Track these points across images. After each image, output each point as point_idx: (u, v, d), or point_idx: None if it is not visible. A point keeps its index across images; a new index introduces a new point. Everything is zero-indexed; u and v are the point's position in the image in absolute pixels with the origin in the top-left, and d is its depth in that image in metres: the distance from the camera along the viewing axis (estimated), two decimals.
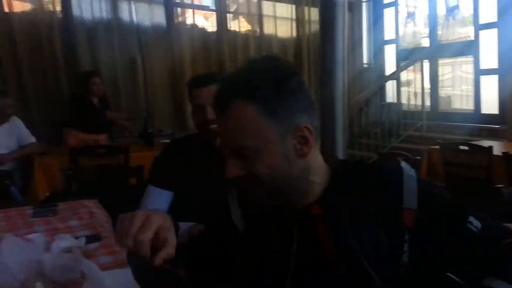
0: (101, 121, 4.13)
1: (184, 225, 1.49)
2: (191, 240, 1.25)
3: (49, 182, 3.36)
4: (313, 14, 6.12)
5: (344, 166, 0.89)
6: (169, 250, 0.78)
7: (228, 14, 5.65)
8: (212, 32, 5.59)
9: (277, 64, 0.82)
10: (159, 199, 1.62)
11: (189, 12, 5.45)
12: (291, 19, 6.09)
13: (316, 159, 0.85)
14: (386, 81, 6.00)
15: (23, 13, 4.44)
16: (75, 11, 4.62)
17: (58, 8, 4.56)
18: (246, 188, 0.85)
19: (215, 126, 1.53)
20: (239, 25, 5.79)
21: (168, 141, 4.09)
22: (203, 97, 1.54)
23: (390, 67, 6.57)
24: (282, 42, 6.06)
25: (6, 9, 4.29)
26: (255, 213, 0.92)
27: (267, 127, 0.78)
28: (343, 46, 1.30)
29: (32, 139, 3.56)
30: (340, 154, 1.51)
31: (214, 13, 5.60)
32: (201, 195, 1.58)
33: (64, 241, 1.28)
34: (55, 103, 4.54)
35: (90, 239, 1.43)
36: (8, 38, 4.29)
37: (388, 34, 6.62)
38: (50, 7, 4.51)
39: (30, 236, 1.33)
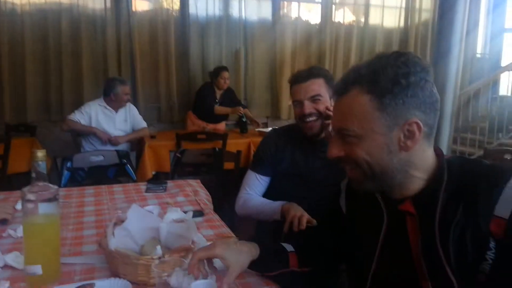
0: (212, 113, 4.47)
1: (278, 204, 1.63)
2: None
3: (156, 162, 3.71)
4: (425, 2, 5.80)
5: (454, 164, 0.87)
6: None
7: (333, 5, 5.60)
8: (315, 24, 5.60)
9: (403, 59, 0.82)
10: (257, 183, 1.80)
11: (294, 5, 5.53)
12: (400, 8, 5.82)
13: (422, 155, 0.85)
14: (502, 72, 5.42)
15: (143, 11, 4.95)
16: (191, 9, 5.04)
17: (176, 7, 5.00)
18: (344, 168, 0.90)
19: (311, 119, 1.66)
20: (343, 16, 5.70)
21: (262, 129, 4.28)
22: (301, 92, 1.67)
23: (507, 57, 5.92)
24: (388, 32, 5.83)
25: (133, 9, 4.81)
26: (357, 197, 0.99)
27: (376, 118, 0.81)
28: (462, 32, 1.22)
29: (144, 124, 3.94)
30: (445, 148, 1.44)
31: (319, 4, 5.60)
32: (295, 180, 1.74)
33: (174, 214, 1.42)
34: (162, 92, 5.00)
35: (196, 213, 1.56)
36: (129, 34, 4.81)
37: (510, 21, 5.95)
38: (169, 6, 4.97)
39: (147, 208, 1.51)
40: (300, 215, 1.49)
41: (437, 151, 0.89)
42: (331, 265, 1.19)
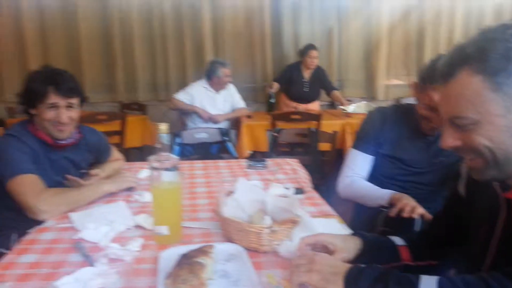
0: (298, 93, 4.47)
1: (387, 191, 1.59)
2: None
3: (252, 141, 3.87)
4: None
5: None
6: None
7: None
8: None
9: (491, 30, 0.77)
10: (361, 162, 1.76)
11: None
12: None
13: None
14: None
15: None
16: None
17: None
18: (464, 158, 0.85)
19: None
20: None
21: (344, 108, 4.18)
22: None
23: None
24: (498, 2, 5.27)
25: None
26: (476, 182, 0.92)
27: (492, 100, 0.75)
28: None
29: (242, 104, 4.13)
30: None
31: None
32: (401, 162, 1.70)
33: (277, 189, 1.52)
34: (257, 72, 5.14)
35: (297, 191, 1.64)
36: (223, 16, 4.99)
37: None
38: None
39: (253, 182, 1.62)
40: (414, 205, 1.44)
41: None
42: (449, 257, 1.12)
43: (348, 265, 0.87)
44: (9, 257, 1.16)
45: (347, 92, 5.19)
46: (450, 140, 0.82)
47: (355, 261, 1.01)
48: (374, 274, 0.82)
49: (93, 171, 1.76)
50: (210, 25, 4.97)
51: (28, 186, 1.47)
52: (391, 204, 1.53)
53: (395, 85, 5.36)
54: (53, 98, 1.57)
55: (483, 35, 0.77)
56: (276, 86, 4.44)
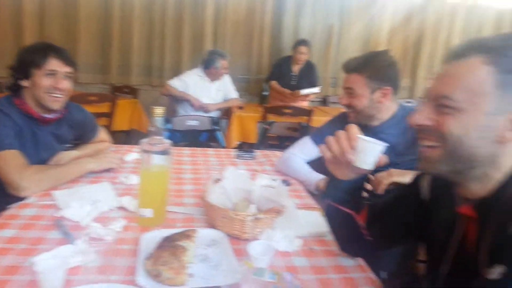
0: (285, 85, 4.44)
1: (315, 176, 1.71)
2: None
3: (241, 132, 3.86)
4: None
5: None
6: None
7: None
8: (417, 2, 5.27)
9: None
10: (307, 148, 1.88)
11: None
12: None
13: (510, 155, 0.76)
14: None
15: None
16: None
17: None
18: (421, 143, 0.82)
19: (348, 110, 1.67)
20: None
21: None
22: (344, 81, 1.68)
23: None
24: (499, 13, 5.32)
25: None
26: (438, 185, 0.92)
27: (489, 95, 0.73)
28: None
29: (235, 95, 4.10)
30: None
31: None
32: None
33: (264, 180, 1.52)
34: (253, 64, 5.12)
35: (283, 182, 1.64)
36: (226, 3, 4.93)
37: None
38: None
39: (240, 171, 1.62)
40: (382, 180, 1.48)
41: None
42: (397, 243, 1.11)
43: None
44: None
45: (340, 90, 5.20)
46: (422, 117, 0.80)
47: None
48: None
49: (57, 156, 1.71)
50: (212, 12, 4.91)
51: (10, 162, 1.45)
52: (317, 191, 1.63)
53: None
54: (54, 65, 1.56)
55: (507, 33, 0.76)
56: (275, 84, 4.44)
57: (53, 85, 1.56)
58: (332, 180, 1.01)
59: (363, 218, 1.02)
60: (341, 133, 0.91)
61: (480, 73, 0.74)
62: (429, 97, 0.80)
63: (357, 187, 1.01)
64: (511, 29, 5.18)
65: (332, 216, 1.05)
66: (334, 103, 5.24)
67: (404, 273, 0.95)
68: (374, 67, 1.60)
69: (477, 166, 0.76)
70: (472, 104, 0.74)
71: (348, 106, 1.66)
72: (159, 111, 1.18)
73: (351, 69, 1.64)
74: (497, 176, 0.76)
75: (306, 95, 4.25)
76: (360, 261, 1.12)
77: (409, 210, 1.00)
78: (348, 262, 1.11)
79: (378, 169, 0.89)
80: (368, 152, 0.87)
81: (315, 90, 4.25)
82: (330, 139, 0.92)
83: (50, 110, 1.62)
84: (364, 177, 0.99)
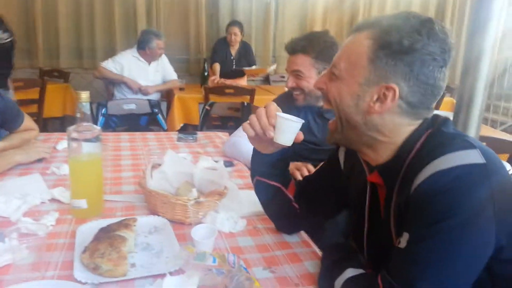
0: (226, 69, 4.41)
1: None
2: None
3: (184, 114, 3.79)
4: None
5: (433, 139, 0.79)
6: None
7: None
8: None
9: (428, 27, 0.76)
10: None
11: None
12: None
13: (393, 127, 0.81)
14: None
15: None
16: None
17: None
18: (325, 104, 0.89)
19: (295, 93, 1.68)
20: None
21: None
22: (288, 64, 1.67)
23: None
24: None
25: None
26: (351, 155, 0.98)
27: (363, 67, 0.79)
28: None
29: (174, 76, 4.00)
30: (476, 116, 1.41)
31: None
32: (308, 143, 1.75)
33: (206, 162, 1.50)
34: (191, 44, 4.98)
35: (226, 163, 1.63)
36: None
37: None
38: None
39: (181, 155, 1.58)
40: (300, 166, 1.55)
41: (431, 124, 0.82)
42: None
43: None
44: None
45: (281, 68, 5.25)
46: (321, 81, 0.87)
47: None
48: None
49: None
50: None
51: None
52: None
53: None
54: None
55: (405, 15, 0.79)
56: (217, 67, 4.37)
57: None
58: (256, 155, 1.03)
59: (291, 191, 1.07)
60: (261, 111, 0.93)
61: (362, 46, 0.79)
62: (329, 67, 0.87)
63: (281, 159, 1.03)
64: (434, 14, 5.47)
65: (261, 191, 1.08)
66: (275, 81, 5.28)
67: (342, 245, 0.99)
68: (319, 47, 1.60)
69: (362, 134, 0.83)
70: (349, 74, 0.81)
71: (296, 88, 1.65)
72: (84, 95, 1.11)
73: (296, 49, 1.62)
74: (390, 142, 0.82)
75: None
76: (305, 236, 1.15)
77: (332, 181, 1.06)
78: (293, 238, 1.13)
79: (296, 145, 0.93)
80: (286, 129, 0.90)
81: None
82: (252, 117, 0.94)
83: None
84: (287, 150, 1.01)
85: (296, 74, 1.63)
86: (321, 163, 1.15)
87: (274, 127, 0.91)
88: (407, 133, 0.81)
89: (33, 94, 3.40)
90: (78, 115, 1.13)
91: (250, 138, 0.98)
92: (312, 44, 1.61)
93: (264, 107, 0.94)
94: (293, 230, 1.15)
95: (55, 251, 0.99)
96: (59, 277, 0.89)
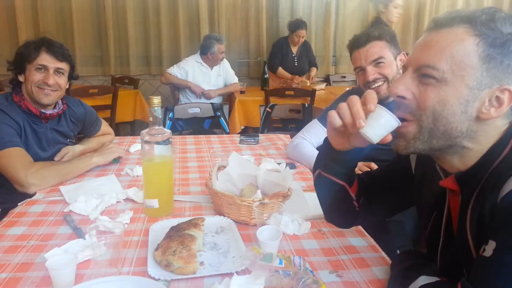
0: (288, 68, 4.44)
1: None
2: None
3: (245, 117, 3.85)
4: None
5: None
6: None
7: None
8: None
9: (503, 11, 0.70)
10: (317, 133, 1.81)
11: None
12: None
13: (491, 130, 0.73)
14: None
15: None
16: None
17: None
18: (400, 114, 0.76)
19: (377, 85, 1.57)
20: None
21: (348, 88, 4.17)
22: (361, 58, 1.57)
23: None
24: None
25: None
26: (423, 159, 0.90)
27: (474, 68, 0.69)
28: None
29: (235, 79, 4.08)
30: None
31: None
32: None
33: (269, 164, 1.51)
34: (251, 47, 5.06)
35: (288, 165, 1.64)
36: None
37: None
38: None
39: (244, 157, 1.61)
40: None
41: None
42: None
43: None
44: None
45: (342, 68, 5.16)
46: (402, 87, 0.74)
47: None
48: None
49: (62, 151, 1.71)
50: None
51: (16, 159, 1.45)
52: None
53: None
54: (44, 59, 1.56)
55: (499, 10, 0.71)
56: (282, 71, 4.44)
57: (43, 79, 1.56)
58: (328, 149, 0.93)
59: (354, 190, 0.99)
60: (355, 98, 0.80)
61: (466, 44, 0.70)
62: (411, 69, 0.75)
63: (354, 159, 0.93)
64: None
65: (323, 187, 0.99)
66: (336, 82, 5.19)
67: (414, 252, 0.94)
68: (390, 33, 1.57)
69: (455, 144, 0.73)
70: (456, 75, 0.70)
71: (379, 78, 1.57)
72: (156, 100, 1.17)
73: (373, 37, 1.56)
74: (478, 150, 0.74)
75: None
76: (372, 240, 1.12)
77: (398, 182, 0.99)
78: (359, 242, 1.11)
79: (379, 146, 0.80)
80: (384, 123, 0.76)
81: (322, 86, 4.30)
82: (343, 105, 0.81)
83: (43, 105, 1.61)
84: (363, 151, 0.90)
85: (376, 62, 1.56)
86: (385, 163, 1.10)
87: (367, 116, 0.78)
88: (497, 137, 0.73)
89: (106, 100, 3.63)
90: (150, 119, 1.19)
91: (332, 129, 0.87)
92: (384, 30, 1.58)
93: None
94: (347, 226, 1.10)
95: (130, 248, 1.05)
96: (134, 273, 0.94)
